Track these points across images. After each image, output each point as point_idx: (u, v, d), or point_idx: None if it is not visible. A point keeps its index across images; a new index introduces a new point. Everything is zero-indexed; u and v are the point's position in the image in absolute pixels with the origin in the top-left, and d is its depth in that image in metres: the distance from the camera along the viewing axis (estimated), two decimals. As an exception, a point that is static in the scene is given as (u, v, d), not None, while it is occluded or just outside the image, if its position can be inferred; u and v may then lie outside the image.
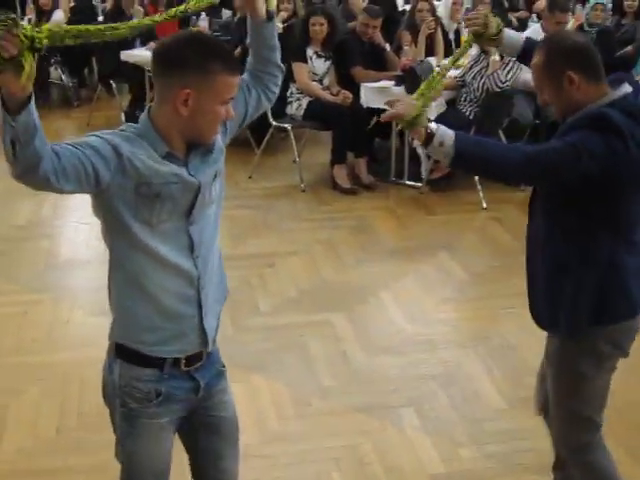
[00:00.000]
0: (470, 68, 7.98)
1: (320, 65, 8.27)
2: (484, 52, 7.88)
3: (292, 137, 8.24)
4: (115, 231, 2.68)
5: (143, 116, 2.70)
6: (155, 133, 2.65)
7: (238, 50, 8.75)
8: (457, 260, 6.50)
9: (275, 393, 4.75)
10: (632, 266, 3.21)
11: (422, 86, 3.23)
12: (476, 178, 7.63)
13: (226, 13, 11.43)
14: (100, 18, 11.68)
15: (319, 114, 8.10)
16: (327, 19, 8.22)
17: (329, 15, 8.34)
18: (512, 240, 6.67)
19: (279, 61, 3.03)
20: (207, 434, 3.01)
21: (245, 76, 2.98)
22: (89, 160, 2.48)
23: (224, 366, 3.03)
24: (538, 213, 3.29)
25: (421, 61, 8.52)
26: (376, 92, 8.01)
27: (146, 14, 10.02)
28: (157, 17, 2.76)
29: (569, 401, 3.37)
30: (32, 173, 2.36)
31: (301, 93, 8.18)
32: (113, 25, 2.54)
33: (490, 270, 6.34)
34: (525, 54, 3.50)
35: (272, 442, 4.34)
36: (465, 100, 7.95)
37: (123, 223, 2.64)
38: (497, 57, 7.72)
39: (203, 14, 10.32)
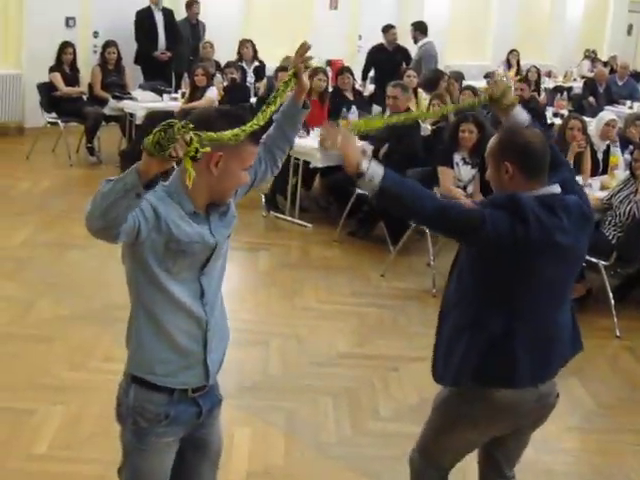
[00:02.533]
0: (618, 192, 7.81)
1: (466, 172, 8.24)
2: (634, 176, 7.74)
3: (429, 240, 8.19)
4: (142, 276, 3.13)
5: (173, 177, 3.13)
6: (183, 193, 3.08)
7: (386, 147, 8.82)
8: (586, 388, 6.28)
9: (386, 505, 4.64)
10: (527, 340, 3.51)
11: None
12: (612, 303, 7.44)
13: (376, 109, 11.54)
14: (252, 99, 11.90)
15: (459, 221, 8.01)
16: (477, 127, 8.20)
17: (480, 123, 8.31)
18: (644, 374, 6.47)
19: (293, 142, 3.62)
20: (194, 452, 3.42)
21: (258, 149, 3.40)
22: (137, 219, 2.92)
23: (221, 396, 3.49)
24: (452, 280, 3.70)
25: (567, 178, 8.41)
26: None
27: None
28: (249, 125, 3.13)
29: (433, 436, 3.82)
30: (112, 230, 2.81)
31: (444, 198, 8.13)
32: (237, 132, 3.00)
33: (619, 402, 6.13)
34: None
35: None
36: (610, 224, 7.72)
37: (149, 270, 3.09)
38: (646, 183, 7.58)
39: (353, 107, 10.45)
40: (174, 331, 3.17)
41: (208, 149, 2.80)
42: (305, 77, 3.45)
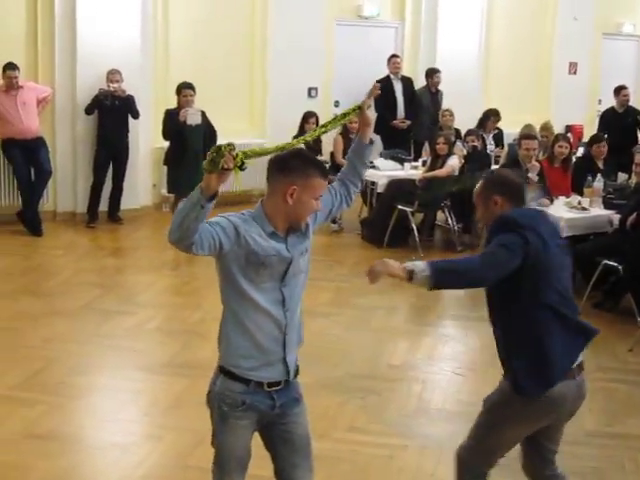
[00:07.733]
0: None
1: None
2: None
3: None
4: (229, 284, 3.79)
5: (258, 204, 3.86)
6: (264, 217, 3.80)
7: (633, 216, 8.53)
8: None
9: None
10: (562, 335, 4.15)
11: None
12: None
13: (621, 176, 11.23)
14: (493, 167, 11.76)
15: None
16: None
17: None
18: None
19: (364, 176, 4.30)
20: (284, 446, 4.00)
21: (334, 184, 4.18)
22: (217, 235, 3.63)
23: (301, 395, 4.05)
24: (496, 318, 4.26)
25: None
26: None
27: (542, 168, 10.01)
28: (309, 136, 4.27)
29: (485, 434, 4.38)
30: (186, 240, 3.52)
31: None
32: (282, 145, 3.92)
33: None
34: None
35: None
36: None
37: (235, 279, 3.76)
38: None
39: (599, 175, 10.16)
40: (257, 332, 3.81)
41: (253, 161, 3.61)
42: (369, 113, 4.19)
